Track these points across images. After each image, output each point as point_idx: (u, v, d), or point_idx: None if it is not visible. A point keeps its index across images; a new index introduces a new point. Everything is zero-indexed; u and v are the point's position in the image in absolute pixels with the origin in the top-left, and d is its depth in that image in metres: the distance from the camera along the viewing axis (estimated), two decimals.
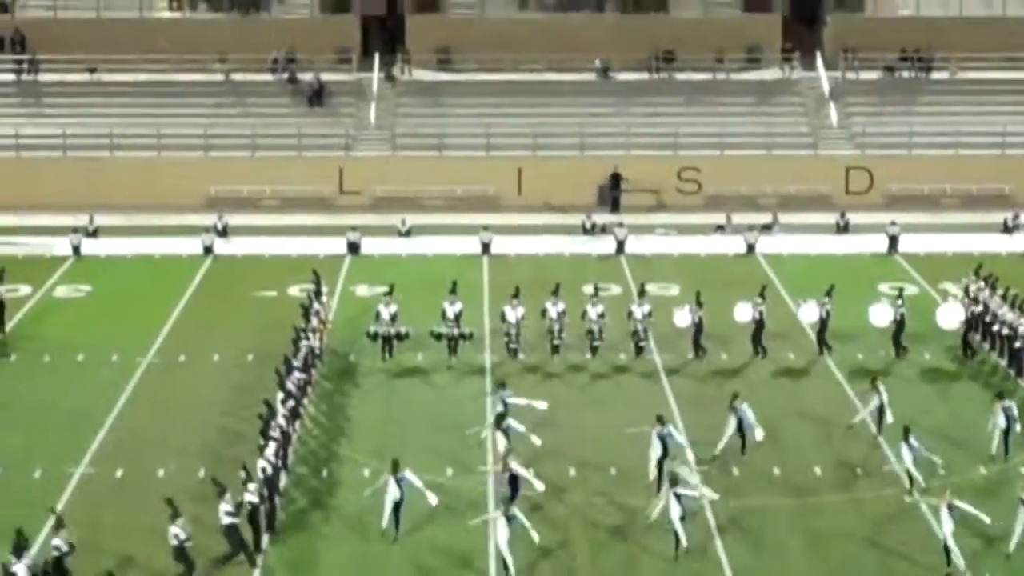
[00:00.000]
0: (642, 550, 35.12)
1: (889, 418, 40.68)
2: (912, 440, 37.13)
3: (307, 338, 45.54)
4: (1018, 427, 40.12)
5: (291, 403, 40.75)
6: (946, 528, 33.21)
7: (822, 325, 48.97)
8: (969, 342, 49.02)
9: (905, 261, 58.80)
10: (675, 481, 34.71)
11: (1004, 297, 48.56)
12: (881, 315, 48.82)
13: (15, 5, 76.61)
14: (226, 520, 31.90)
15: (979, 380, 46.66)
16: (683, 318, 48.98)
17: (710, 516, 37.02)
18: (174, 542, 32.12)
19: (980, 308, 49.21)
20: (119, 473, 39.82)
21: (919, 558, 34.71)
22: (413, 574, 34.69)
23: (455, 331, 48.67)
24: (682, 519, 34.08)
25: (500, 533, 33.04)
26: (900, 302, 49.04)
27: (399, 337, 48.82)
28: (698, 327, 48.70)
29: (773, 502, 37.71)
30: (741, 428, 39.80)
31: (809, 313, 49.35)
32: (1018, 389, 45.45)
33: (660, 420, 38.30)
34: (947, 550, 33.50)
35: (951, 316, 49.02)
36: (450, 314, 48.72)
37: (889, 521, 36.94)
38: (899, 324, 48.66)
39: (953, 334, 49.15)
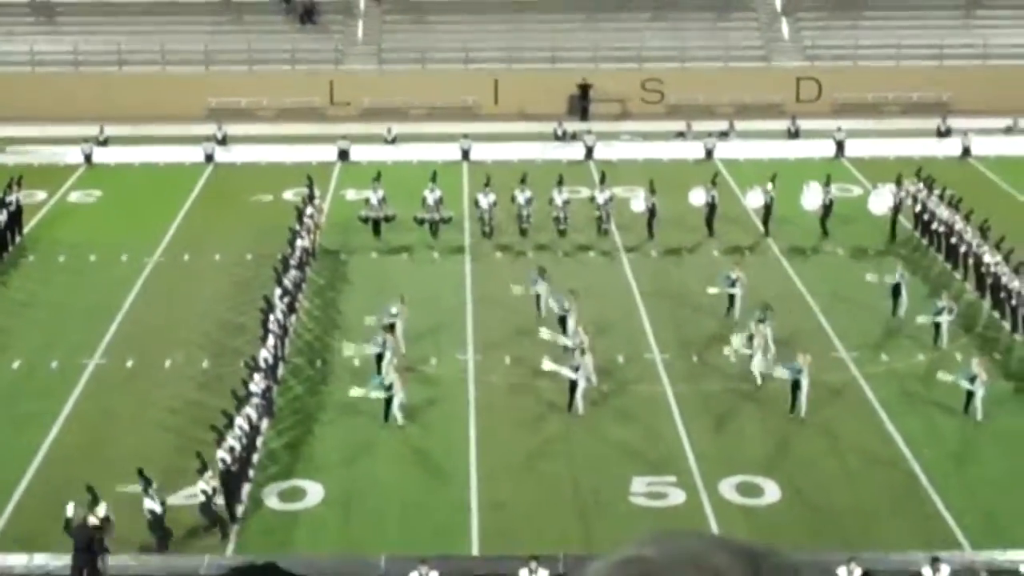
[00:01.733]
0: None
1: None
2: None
3: (301, 238, 45.68)
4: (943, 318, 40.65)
5: (288, 298, 40.95)
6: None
7: (766, 210, 49.91)
8: (895, 226, 50.20)
9: (851, 164, 58.90)
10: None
11: (941, 197, 48.82)
12: (812, 199, 50.41)
13: None
14: (200, 498, 31.08)
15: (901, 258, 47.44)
16: (638, 204, 50.34)
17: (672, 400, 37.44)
18: (148, 516, 30.17)
19: (919, 208, 49.62)
20: (129, 363, 39.97)
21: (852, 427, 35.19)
22: (400, 454, 34.99)
23: (435, 216, 49.97)
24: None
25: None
26: (829, 188, 50.56)
27: (386, 219, 50.37)
28: (651, 212, 49.70)
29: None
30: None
31: (755, 199, 50.69)
32: (954, 282, 45.79)
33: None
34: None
35: (881, 203, 49.83)
36: (430, 200, 50.12)
37: (829, 392, 37.45)
38: (827, 208, 50.24)
39: (883, 219, 49.97)
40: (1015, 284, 41.20)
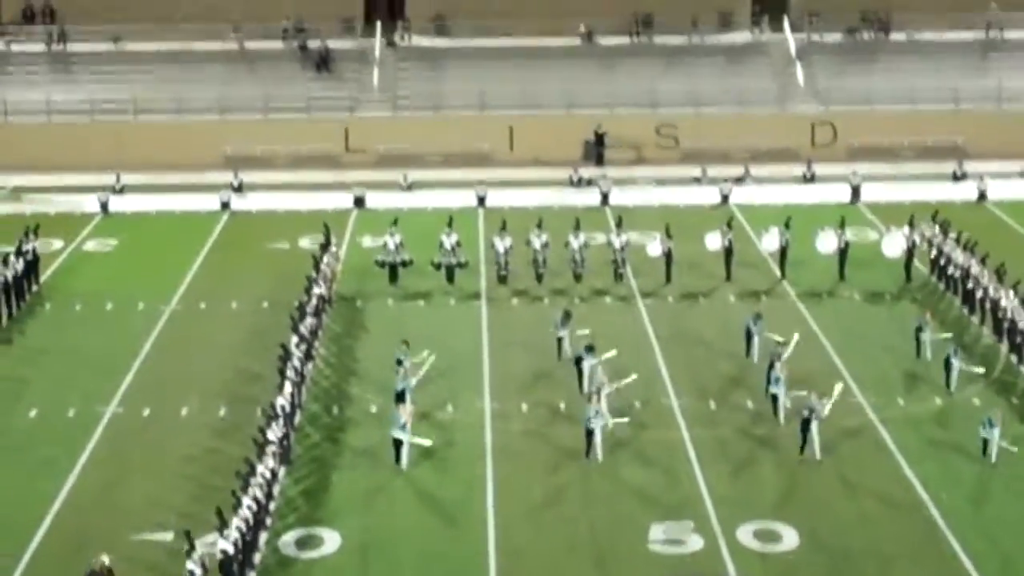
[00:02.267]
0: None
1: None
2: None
3: (318, 286, 45.71)
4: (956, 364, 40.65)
5: (304, 346, 40.94)
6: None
7: (782, 253, 50.02)
8: (909, 268, 50.25)
9: (866, 208, 58.91)
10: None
11: (957, 240, 48.79)
12: (827, 243, 50.51)
13: None
14: (220, 556, 30.73)
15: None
16: (655, 248, 50.42)
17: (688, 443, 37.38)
18: None
19: (935, 252, 49.62)
20: (146, 412, 39.96)
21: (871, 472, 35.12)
22: (417, 502, 34.91)
23: (452, 260, 50.20)
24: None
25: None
26: (844, 232, 50.65)
27: (403, 264, 50.55)
28: (668, 256, 49.79)
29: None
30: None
31: (770, 241, 51.05)
32: (970, 326, 45.71)
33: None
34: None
35: (894, 245, 49.88)
36: (447, 245, 50.28)
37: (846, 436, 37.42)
38: (843, 252, 50.47)
39: (897, 263, 50.08)
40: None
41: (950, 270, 48.48)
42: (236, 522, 30.45)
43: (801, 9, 75.28)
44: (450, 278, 50.02)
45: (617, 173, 64.29)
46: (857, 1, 74.68)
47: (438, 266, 50.09)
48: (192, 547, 29.56)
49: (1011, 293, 43.21)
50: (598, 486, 35.37)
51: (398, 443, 36.05)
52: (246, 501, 31.31)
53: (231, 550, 29.82)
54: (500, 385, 41.57)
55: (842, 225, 50.93)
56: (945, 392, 40.49)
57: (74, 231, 57.27)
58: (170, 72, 71.94)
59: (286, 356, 38.80)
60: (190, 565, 29.34)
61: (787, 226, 50.66)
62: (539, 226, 50.77)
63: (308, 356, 41.28)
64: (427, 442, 36.45)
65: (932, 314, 44.08)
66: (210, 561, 29.59)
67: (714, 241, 50.49)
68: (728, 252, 50.25)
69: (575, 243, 50.22)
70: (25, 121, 69.64)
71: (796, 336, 41.74)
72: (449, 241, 50.38)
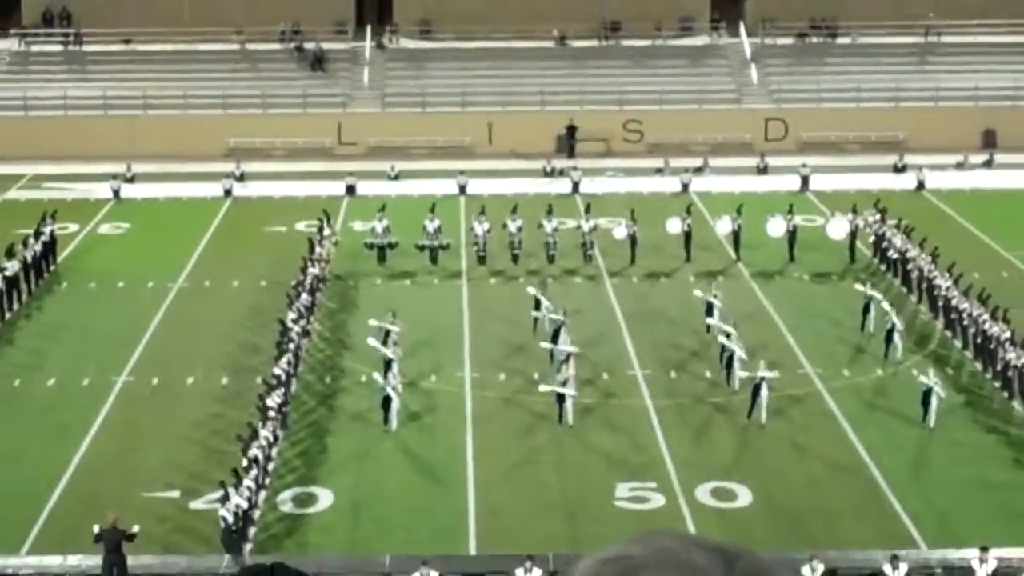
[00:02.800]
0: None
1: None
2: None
3: (312, 266, 45.66)
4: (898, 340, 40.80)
5: (302, 321, 40.90)
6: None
7: (735, 237, 50.09)
8: (853, 250, 50.38)
9: (815, 197, 59.02)
10: None
11: (897, 226, 48.93)
12: (776, 227, 50.56)
13: None
14: (222, 524, 30.68)
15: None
16: (620, 232, 50.40)
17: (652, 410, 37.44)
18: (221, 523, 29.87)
19: (875, 236, 49.77)
20: (155, 381, 39.95)
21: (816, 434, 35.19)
22: (404, 463, 34.96)
23: (435, 243, 50.25)
24: None
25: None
26: (791, 217, 50.69)
27: (390, 246, 50.50)
28: (633, 239, 49.85)
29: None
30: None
31: (723, 226, 51.11)
32: (908, 304, 45.83)
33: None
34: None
35: (838, 229, 50.07)
36: (430, 229, 50.42)
37: (795, 404, 37.48)
38: (792, 234, 50.36)
39: (842, 245, 50.21)
40: (964, 306, 41.27)
41: (889, 252, 48.60)
42: (238, 490, 30.35)
43: (756, 15, 75.34)
44: (433, 259, 50.08)
45: (587, 164, 64.30)
46: (807, 8, 74.80)
47: (421, 248, 50.17)
48: (227, 496, 29.64)
49: (946, 275, 43.32)
50: (569, 449, 35.48)
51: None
52: (244, 463, 31.29)
53: (230, 518, 29.80)
54: (479, 356, 41.60)
55: (790, 211, 51.00)
56: (885, 363, 40.62)
57: (89, 215, 57.14)
58: (177, 70, 71.78)
59: (284, 330, 38.79)
60: (223, 512, 29.51)
61: (739, 212, 50.76)
62: (514, 211, 50.82)
63: (305, 332, 41.19)
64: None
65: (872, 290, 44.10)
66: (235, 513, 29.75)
67: (674, 225, 50.57)
68: (687, 236, 50.32)
69: (548, 227, 50.27)
70: (44, 115, 69.42)
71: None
72: (432, 225, 50.49)
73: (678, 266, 50.12)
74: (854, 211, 50.87)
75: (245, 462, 31.32)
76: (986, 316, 39.72)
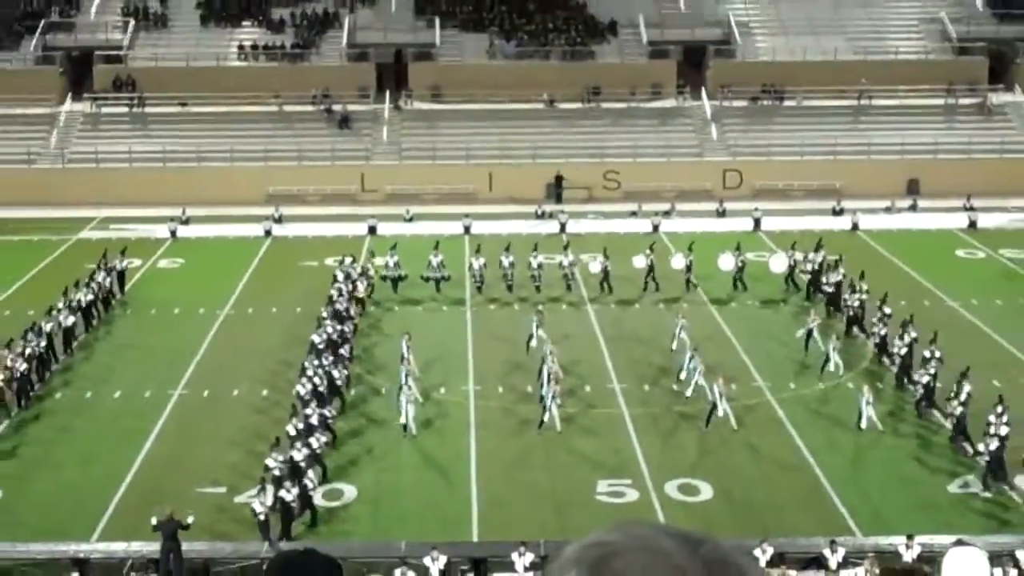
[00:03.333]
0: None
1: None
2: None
3: (342, 297, 45.64)
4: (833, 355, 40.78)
5: (333, 345, 40.68)
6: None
7: (688, 269, 50.19)
8: (794, 281, 50.40)
9: (765, 236, 59.04)
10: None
11: (836, 263, 48.75)
12: (726, 262, 50.49)
13: (128, 58, 76.06)
14: (260, 517, 29.97)
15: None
16: (595, 266, 50.55)
17: (628, 418, 37.40)
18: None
19: (811, 268, 49.81)
20: (205, 393, 39.96)
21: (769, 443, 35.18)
22: (418, 462, 34.92)
23: (438, 275, 50.26)
24: None
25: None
26: (740, 253, 50.66)
27: (400, 278, 50.49)
28: (605, 271, 50.02)
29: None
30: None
31: (677, 261, 50.81)
32: (837, 322, 45.77)
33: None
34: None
35: (778, 263, 50.32)
36: (434, 263, 50.48)
37: (748, 412, 37.45)
38: (740, 268, 50.33)
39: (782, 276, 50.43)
40: (884, 331, 41.49)
41: (824, 284, 48.39)
42: (273, 487, 30.35)
43: (715, 82, 75.48)
44: (437, 288, 50.12)
45: (572, 208, 64.34)
46: (758, 76, 74.97)
47: (427, 279, 50.20)
48: (263, 488, 29.64)
49: (878, 303, 43.20)
50: (556, 451, 35.45)
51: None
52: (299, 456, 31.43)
53: (265, 511, 29.81)
54: (481, 372, 41.60)
55: (738, 248, 50.94)
56: (824, 378, 40.62)
57: (150, 252, 57.16)
58: (224, 129, 71.86)
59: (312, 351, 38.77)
60: (255, 505, 29.52)
61: (690, 249, 50.76)
62: (507, 249, 50.90)
63: (337, 356, 39.90)
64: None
65: (815, 316, 44.09)
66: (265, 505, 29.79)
67: (639, 261, 50.58)
68: (650, 268, 50.14)
69: (534, 262, 50.20)
70: (112, 167, 69.49)
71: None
72: (435, 260, 50.50)
73: (649, 294, 50.05)
74: (792, 248, 50.96)
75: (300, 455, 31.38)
76: (908, 340, 39.71)
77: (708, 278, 50.40)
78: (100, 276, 48.27)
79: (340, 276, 48.21)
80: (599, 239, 56.82)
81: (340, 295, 45.74)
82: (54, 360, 42.38)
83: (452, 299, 49.77)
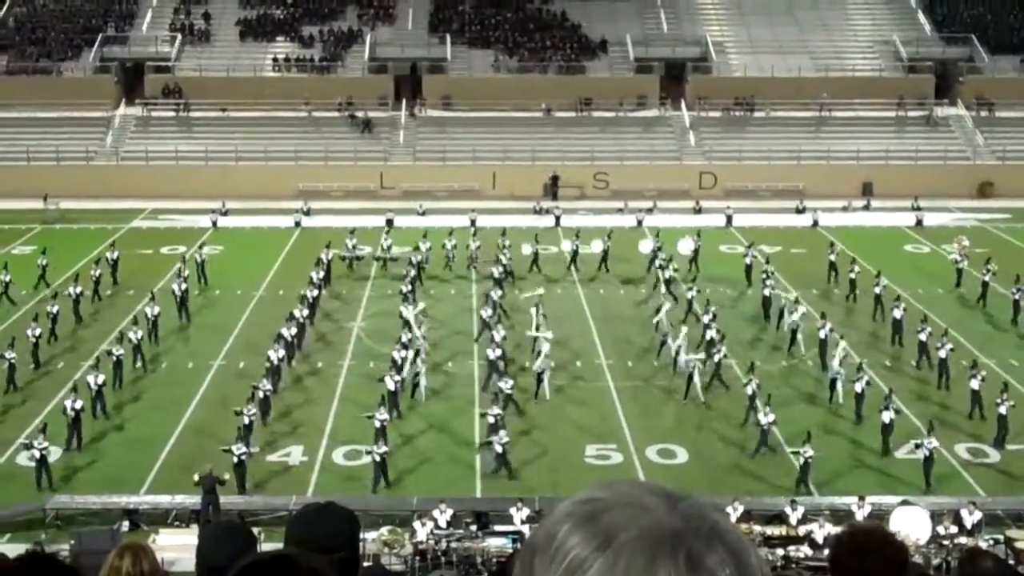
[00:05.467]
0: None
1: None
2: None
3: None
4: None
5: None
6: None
7: (653, 254, 50.07)
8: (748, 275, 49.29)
9: (736, 231, 59.01)
10: None
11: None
12: (684, 246, 50.54)
13: (175, 68, 75.98)
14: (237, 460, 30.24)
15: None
16: (597, 245, 50.87)
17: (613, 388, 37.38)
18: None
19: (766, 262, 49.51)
20: (241, 364, 39.98)
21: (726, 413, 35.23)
22: (428, 427, 34.95)
23: (451, 254, 50.96)
24: None
25: None
26: (698, 239, 50.80)
27: (392, 259, 51.03)
28: (605, 252, 50.54)
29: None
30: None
31: (685, 245, 50.76)
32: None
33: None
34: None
35: (685, 245, 50.41)
36: (448, 246, 51.02)
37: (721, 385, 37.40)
38: (695, 252, 50.31)
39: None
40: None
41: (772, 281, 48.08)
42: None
43: (693, 95, 75.40)
44: (448, 267, 50.79)
45: (566, 205, 64.32)
46: (732, 90, 74.88)
47: (448, 261, 50.71)
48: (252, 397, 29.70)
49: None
50: (550, 418, 35.49)
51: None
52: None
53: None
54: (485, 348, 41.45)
55: (698, 235, 51.18)
56: (789, 354, 40.64)
57: (194, 240, 57.12)
58: (260, 132, 71.79)
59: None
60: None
61: (699, 235, 51.05)
62: (503, 235, 51.15)
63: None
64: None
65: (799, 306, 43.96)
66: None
67: (597, 245, 50.62)
68: (605, 253, 50.41)
69: (528, 250, 50.49)
70: (161, 164, 69.47)
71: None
72: (449, 244, 51.28)
73: (638, 278, 49.78)
74: (750, 245, 50.57)
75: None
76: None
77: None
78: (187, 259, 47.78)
79: (326, 257, 48.65)
80: (589, 231, 56.75)
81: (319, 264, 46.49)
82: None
83: (459, 280, 49.61)
